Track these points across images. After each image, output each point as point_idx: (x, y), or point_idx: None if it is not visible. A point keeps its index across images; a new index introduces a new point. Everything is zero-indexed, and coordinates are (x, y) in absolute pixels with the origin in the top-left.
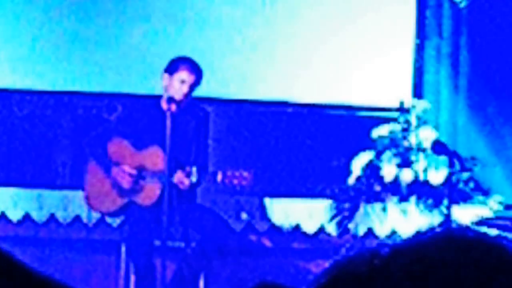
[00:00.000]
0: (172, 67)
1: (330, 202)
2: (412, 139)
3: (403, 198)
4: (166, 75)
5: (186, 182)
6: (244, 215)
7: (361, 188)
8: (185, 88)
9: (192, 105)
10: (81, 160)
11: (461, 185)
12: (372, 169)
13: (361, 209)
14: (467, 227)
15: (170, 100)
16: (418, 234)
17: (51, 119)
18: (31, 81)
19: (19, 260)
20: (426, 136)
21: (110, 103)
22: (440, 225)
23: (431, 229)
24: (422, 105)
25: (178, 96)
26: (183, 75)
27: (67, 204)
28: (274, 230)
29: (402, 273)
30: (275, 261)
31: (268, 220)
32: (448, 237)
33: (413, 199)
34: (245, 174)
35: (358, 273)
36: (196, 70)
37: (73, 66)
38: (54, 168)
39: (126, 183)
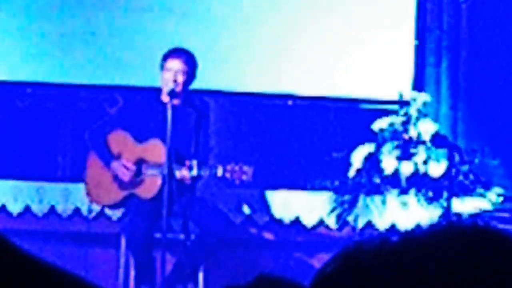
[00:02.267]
0: (161, 62)
1: (330, 195)
2: (412, 132)
3: (403, 191)
4: (160, 72)
5: (187, 175)
6: (245, 208)
7: (361, 181)
8: (172, 76)
9: (193, 98)
10: (82, 152)
11: (461, 178)
12: (372, 161)
13: (361, 202)
14: (477, 219)
15: (171, 92)
16: (430, 224)
17: (51, 112)
18: (32, 73)
19: (19, 248)
20: (426, 128)
21: (111, 95)
22: (442, 216)
23: (441, 221)
24: (422, 98)
25: (172, 86)
26: (169, 64)
27: (67, 196)
28: (274, 223)
29: (411, 260)
30: (275, 254)
31: (270, 213)
32: (458, 227)
33: (413, 191)
34: (246, 168)
35: (366, 260)
36: (181, 56)
37: (74, 58)
38: (54, 161)
39: (126, 175)
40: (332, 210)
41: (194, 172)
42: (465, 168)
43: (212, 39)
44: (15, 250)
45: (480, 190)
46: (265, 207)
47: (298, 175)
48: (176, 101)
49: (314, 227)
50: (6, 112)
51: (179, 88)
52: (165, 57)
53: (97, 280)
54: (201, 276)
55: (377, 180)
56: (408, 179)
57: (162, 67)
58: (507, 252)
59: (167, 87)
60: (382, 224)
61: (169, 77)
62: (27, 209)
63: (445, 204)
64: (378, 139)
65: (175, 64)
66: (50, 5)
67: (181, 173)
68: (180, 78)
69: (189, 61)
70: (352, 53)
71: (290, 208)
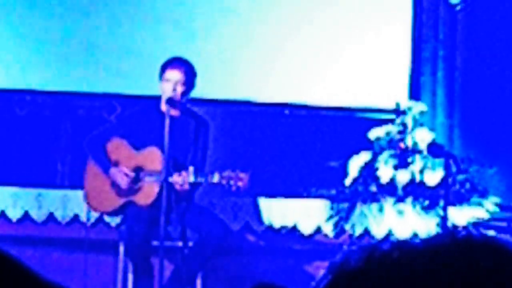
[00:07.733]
0: (160, 71)
1: (327, 203)
2: (409, 141)
3: (400, 199)
4: (159, 81)
5: (185, 179)
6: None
7: (358, 189)
8: (171, 86)
9: (193, 112)
10: (80, 159)
11: (457, 187)
12: (368, 170)
13: (358, 210)
14: (475, 228)
15: (169, 101)
16: (423, 238)
17: (51, 119)
18: (31, 81)
19: (16, 260)
20: (423, 137)
21: (109, 103)
22: (439, 225)
23: (437, 232)
24: (418, 107)
25: (170, 95)
26: (167, 74)
27: (66, 203)
28: (271, 230)
29: (402, 267)
30: (272, 261)
31: (262, 222)
32: (451, 237)
33: (409, 200)
34: (242, 175)
35: (357, 266)
36: (180, 67)
37: (73, 66)
38: (53, 168)
39: (124, 183)
40: (329, 218)
41: (191, 178)
42: (461, 177)
43: (210, 47)
44: (11, 263)
45: (476, 199)
46: (262, 214)
47: (295, 183)
48: (175, 111)
49: (311, 235)
50: (6, 120)
51: (177, 97)
52: (164, 67)
53: (95, 287)
54: (198, 283)
55: (373, 189)
56: (405, 187)
57: (161, 77)
58: (495, 263)
59: (165, 96)
60: (378, 232)
61: (168, 87)
62: (26, 215)
63: (441, 212)
64: (375, 148)
65: (174, 75)
66: (49, 13)
67: (178, 177)
68: (179, 89)
69: (188, 71)
70: (349, 62)
71: (288, 216)
